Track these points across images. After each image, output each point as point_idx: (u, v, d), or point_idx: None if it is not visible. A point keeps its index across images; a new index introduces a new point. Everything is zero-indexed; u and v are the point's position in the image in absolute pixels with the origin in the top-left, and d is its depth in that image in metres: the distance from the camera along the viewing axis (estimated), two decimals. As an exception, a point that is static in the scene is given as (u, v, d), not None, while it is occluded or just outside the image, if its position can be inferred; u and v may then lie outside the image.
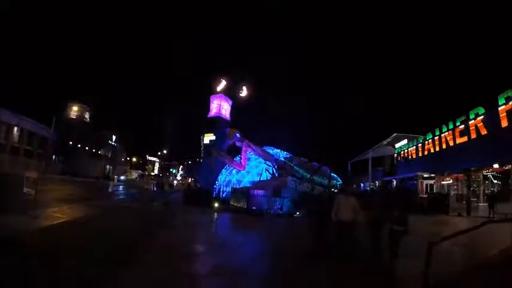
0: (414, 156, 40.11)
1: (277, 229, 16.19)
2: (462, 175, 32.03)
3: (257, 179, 28.18)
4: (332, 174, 30.66)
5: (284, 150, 30.24)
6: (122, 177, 69.95)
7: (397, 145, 47.37)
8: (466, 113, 29.32)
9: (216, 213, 21.45)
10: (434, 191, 35.03)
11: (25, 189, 14.37)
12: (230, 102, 35.41)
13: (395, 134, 50.73)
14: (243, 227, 16.55)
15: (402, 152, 44.46)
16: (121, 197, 29.91)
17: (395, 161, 46.56)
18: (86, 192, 26.70)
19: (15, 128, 50.97)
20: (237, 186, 28.33)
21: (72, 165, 62.46)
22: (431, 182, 37.67)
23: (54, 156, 63.05)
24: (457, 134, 30.76)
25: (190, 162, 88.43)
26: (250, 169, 29.75)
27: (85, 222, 12.15)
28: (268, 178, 27.04)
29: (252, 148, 28.56)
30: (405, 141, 45.58)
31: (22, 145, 51.89)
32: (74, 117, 74.86)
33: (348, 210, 8.83)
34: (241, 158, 29.29)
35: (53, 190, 23.10)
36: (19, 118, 50.04)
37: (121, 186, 44.14)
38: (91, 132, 75.06)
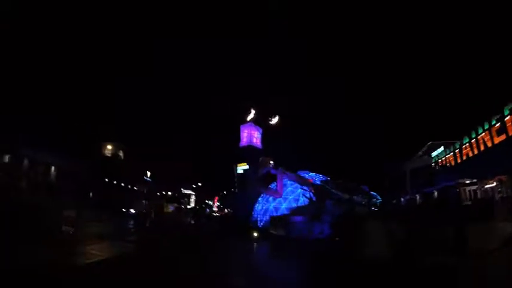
0: (453, 163, 38.79)
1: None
2: (505, 177, 30.53)
3: (294, 205, 27.87)
4: (371, 192, 29.99)
5: (319, 173, 29.95)
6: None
7: (433, 154, 46.03)
8: (500, 109, 28.11)
9: (255, 243, 21.32)
10: (479, 197, 33.57)
11: (63, 228, 14.69)
12: (260, 130, 35.63)
13: (430, 142, 49.43)
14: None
15: (440, 160, 43.12)
16: (158, 231, 30.13)
17: (433, 171, 45.13)
18: (122, 228, 27.12)
19: (52, 167, 52.88)
20: (275, 214, 28.11)
21: (108, 201, 63.87)
22: (474, 187, 36.10)
23: (90, 194, 64.73)
24: (494, 133, 29.52)
25: (225, 192, 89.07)
26: (287, 195, 29.49)
27: (119, 261, 12.24)
28: (306, 203, 26.69)
29: (287, 174, 28.41)
30: (441, 149, 44.24)
31: (58, 183, 53.50)
32: (109, 155, 77.33)
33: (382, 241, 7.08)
34: (277, 185, 29.15)
35: (90, 227, 23.46)
36: (55, 157, 51.94)
37: (157, 220, 44.64)
38: (125, 169, 77.03)
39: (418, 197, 46.14)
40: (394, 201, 46.17)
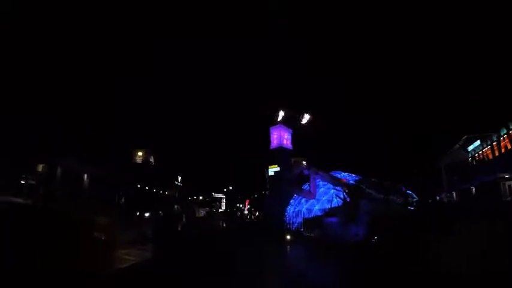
0: (491, 156, 37.16)
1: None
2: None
3: (328, 206, 27.39)
4: (408, 191, 29.08)
5: (352, 173, 29.37)
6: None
7: (469, 147, 44.25)
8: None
9: (288, 247, 20.97)
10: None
11: (95, 234, 14.82)
12: (290, 131, 35.32)
13: (465, 136, 47.57)
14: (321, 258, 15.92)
15: (476, 154, 41.42)
16: (190, 235, 30.15)
17: (469, 166, 43.39)
18: (153, 233, 27.13)
19: (85, 175, 54.18)
20: (308, 216, 27.74)
21: (139, 207, 64.87)
22: (514, 182, 34.46)
23: (122, 199, 65.87)
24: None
25: (256, 195, 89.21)
26: (319, 196, 29.06)
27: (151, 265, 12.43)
28: (340, 204, 26.17)
29: (319, 174, 28.01)
30: (478, 142, 42.46)
31: (91, 191, 54.61)
32: (140, 161, 78.84)
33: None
34: (309, 187, 28.78)
35: (123, 233, 23.55)
36: (86, 166, 53.17)
37: (189, 224, 44.92)
38: (157, 174, 78.35)
39: (454, 195, 44.52)
40: (430, 201, 44.66)
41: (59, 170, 49.97)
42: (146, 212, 48.32)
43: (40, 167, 47.39)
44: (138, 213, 47.93)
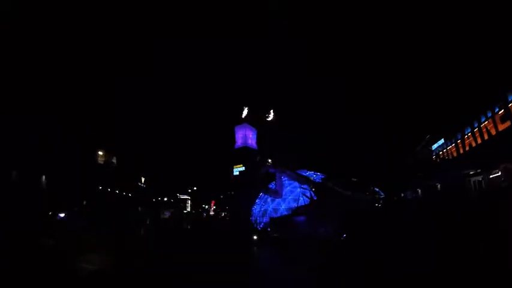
0: (455, 154, 37.64)
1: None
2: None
3: (294, 205, 26.66)
4: (375, 188, 28.88)
5: (318, 172, 28.80)
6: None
7: (433, 146, 44.86)
8: (504, 96, 27.06)
9: (255, 247, 20.05)
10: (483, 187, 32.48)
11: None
12: (255, 131, 34.53)
13: (428, 135, 48.26)
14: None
15: (441, 152, 41.95)
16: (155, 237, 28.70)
17: (434, 163, 43.99)
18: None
19: (43, 177, 51.61)
20: (274, 215, 26.89)
21: (100, 210, 62.40)
22: (480, 178, 34.96)
23: (84, 202, 63.16)
24: (497, 120, 28.44)
25: (221, 196, 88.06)
26: (286, 195, 28.31)
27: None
28: (307, 202, 25.49)
29: (286, 173, 27.23)
30: (442, 141, 43.08)
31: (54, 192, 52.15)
32: (102, 162, 75.75)
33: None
34: (275, 185, 27.94)
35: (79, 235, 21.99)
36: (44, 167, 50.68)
37: (153, 227, 43.36)
38: (119, 176, 75.68)
39: (419, 192, 44.96)
40: (396, 198, 44.98)
41: (13, 173, 47.27)
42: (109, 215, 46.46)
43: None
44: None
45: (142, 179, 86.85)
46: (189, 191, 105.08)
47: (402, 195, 47.32)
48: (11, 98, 45.72)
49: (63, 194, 46.27)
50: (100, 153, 76.73)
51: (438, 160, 43.03)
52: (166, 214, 63.80)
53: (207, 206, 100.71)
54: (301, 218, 22.45)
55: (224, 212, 74.85)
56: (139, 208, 70.01)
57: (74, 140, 58.67)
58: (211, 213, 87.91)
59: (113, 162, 77.83)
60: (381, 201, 27.94)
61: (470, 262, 7.26)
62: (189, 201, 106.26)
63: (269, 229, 25.07)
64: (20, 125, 43.42)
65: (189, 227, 39.53)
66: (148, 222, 44.99)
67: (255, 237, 22.95)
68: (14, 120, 44.46)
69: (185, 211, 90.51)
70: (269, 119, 34.34)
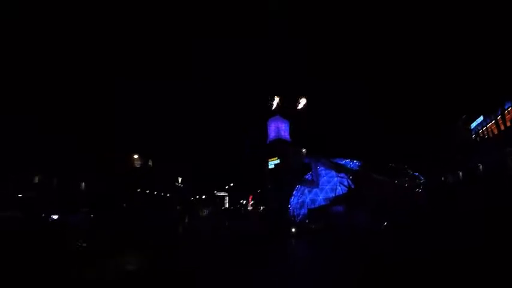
0: (496, 132, 36.09)
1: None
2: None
3: (332, 194, 26.28)
4: (414, 173, 28.08)
5: (354, 159, 28.24)
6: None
7: (472, 125, 43.18)
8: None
9: (293, 240, 19.96)
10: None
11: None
12: (287, 122, 34.33)
13: (464, 115, 46.49)
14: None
15: (480, 130, 40.35)
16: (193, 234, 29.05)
17: (474, 143, 42.35)
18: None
19: (82, 184, 53.48)
20: (312, 206, 26.65)
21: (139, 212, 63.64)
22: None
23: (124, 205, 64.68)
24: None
25: (258, 191, 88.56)
26: (323, 185, 27.87)
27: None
28: (344, 191, 25.10)
29: (321, 162, 26.92)
30: (481, 118, 41.36)
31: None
32: (138, 166, 77.90)
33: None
34: (311, 176, 27.68)
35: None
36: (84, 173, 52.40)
37: (192, 224, 44.04)
38: (156, 177, 77.64)
39: (460, 174, 43.47)
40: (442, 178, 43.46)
41: (55, 181, 49.09)
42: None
43: (36, 179, 46.53)
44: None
45: (179, 179, 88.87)
46: (226, 187, 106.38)
47: (443, 179, 45.94)
48: (45, 98, 47.42)
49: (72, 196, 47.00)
50: (135, 156, 78.69)
51: (478, 139, 41.43)
52: (205, 212, 64.89)
53: (244, 202, 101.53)
54: (340, 208, 22.15)
55: (262, 206, 75.14)
56: (178, 207, 71.70)
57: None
58: (250, 208, 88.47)
59: (149, 165, 79.90)
60: (422, 187, 27.15)
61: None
62: (227, 198, 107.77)
63: (307, 221, 24.92)
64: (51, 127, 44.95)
65: (227, 223, 39.94)
66: (187, 220, 45.82)
67: (293, 229, 22.88)
68: (45, 122, 46.22)
69: (223, 207, 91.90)
70: (300, 107, 33.99)
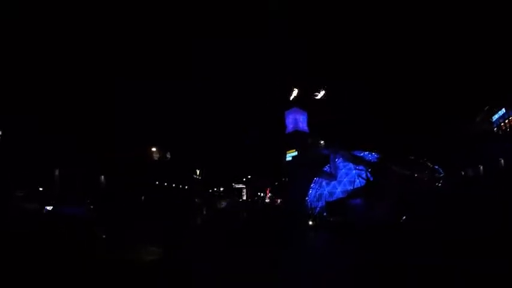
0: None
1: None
2: None
3: (350, 187, 26.24)
4: (434, 166, 27.69)
5: (373, 152, 28.07)
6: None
7: (494, 117, 42.27)
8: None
9: (311, 233, 20.00)
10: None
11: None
12: (305, 113, 34.20)
13: (487, 107, 45.49)
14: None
15: (502, 123, 39.50)
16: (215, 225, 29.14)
17: (496, 136, 41.47)
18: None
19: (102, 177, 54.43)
20: (330, 199, 26.63)
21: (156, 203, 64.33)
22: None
23: (143, 198, 65.38)
24: None
25: (276, 183, 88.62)
26: (341, 178, 27.83)
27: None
28: (363, 184, 24.97)
29: (340, 154, 26.86)
30: (503, 111, 40.45)
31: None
32: (156, 158, 78.83)
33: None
34: (330, 168, 27.67)
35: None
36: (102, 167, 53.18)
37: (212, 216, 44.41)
38: (174, 169, 78.47)
39: (481, 168, 42.64)
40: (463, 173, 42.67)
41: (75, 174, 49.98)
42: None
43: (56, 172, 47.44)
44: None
45: (197, 171, 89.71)
46: (244, 180, 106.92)
47: (463, 173, 45.13)
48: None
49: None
50: (153, 149, 79.56)
51: (500, 132, 40.58)
52: (223, 204, 65.46)
53: (262, 194, 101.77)
54: (358, 201, 22.08)
55: (279, 199, 75.20)
56: (196, 200, 72.43)
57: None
58: (267, 200, 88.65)
59: (167, 157, 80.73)
60: (441, 181, 26.80)
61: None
62: (245, 190, 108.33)
63: (325, 213, 24.94)
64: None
65: (245, 214, 40.30)
66: (204, 212, 46.36)
67: (310, 222, 22.95)
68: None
69: (241, 200, 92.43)
70: (319, 96, 33.71)
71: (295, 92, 33.49)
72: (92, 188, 49.74)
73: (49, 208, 25.94)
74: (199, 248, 13.88)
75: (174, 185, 75.12)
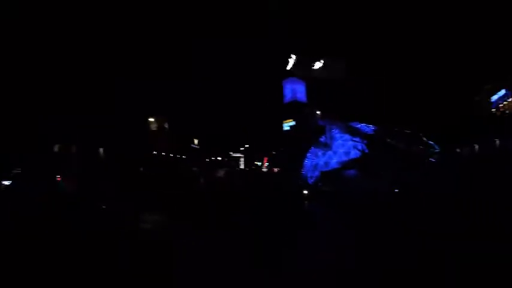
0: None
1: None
2: None
3: (345, 158, 26.40)
4: (429, 142, 27.81)
5: (370, 124, 28.09)
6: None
7: (493, 98, 42.27)
8: None
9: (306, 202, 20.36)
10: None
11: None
12: (303, 83, 34.06)
13: (488, 85, 45.35)
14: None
15: (501, 104, 39.55)
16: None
17: (494, 116, 41.54)
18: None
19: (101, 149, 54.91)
20: (325, 169, 26.86)
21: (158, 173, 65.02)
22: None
23: (142, 169, 66.05)
24: None
25: (274, 153, 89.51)
26: (337, 149, 28.03)
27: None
28: (358, 156, 25.18)
29: (336, 125, 26.91)
30: (503, 92, 40.39)
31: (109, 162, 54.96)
32: (155, 128, 79.07)
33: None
34: (325, 138, 27.78)
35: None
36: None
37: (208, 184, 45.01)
38: (172, 140, 78.89)
39: (476, 147, 42.99)
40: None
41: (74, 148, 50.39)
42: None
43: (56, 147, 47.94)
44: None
45: (195, 141, 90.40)
46: (242, 149, 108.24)
47: (458, 150, 45.49)
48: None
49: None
50: (151, 119, 79.69)
51: (498, 113, 40.71)
52: (221, 173, 65.95)
53: (260, 163, 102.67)
54: (353, 172, 22.34)
55: (277, 168, 75.53)
56: (194, 168, 73.11)
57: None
58: (264, 169, 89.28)
59: (165, 127, 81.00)
60: (436, 156, 26.96)
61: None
62: (242, 159, 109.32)
63: (320, 183, 25.20)
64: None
65: (241, 182, 40.64)
66: (202, 181, 46.67)
67: (305, 191, 23.24)
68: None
69: (238, 168, 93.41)
70: (316, 67, 33.55)
71: (292, 62, 33.30)
72: (89, 160, 50.08)
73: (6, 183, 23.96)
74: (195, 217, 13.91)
75: (171, 155, 75.58)
